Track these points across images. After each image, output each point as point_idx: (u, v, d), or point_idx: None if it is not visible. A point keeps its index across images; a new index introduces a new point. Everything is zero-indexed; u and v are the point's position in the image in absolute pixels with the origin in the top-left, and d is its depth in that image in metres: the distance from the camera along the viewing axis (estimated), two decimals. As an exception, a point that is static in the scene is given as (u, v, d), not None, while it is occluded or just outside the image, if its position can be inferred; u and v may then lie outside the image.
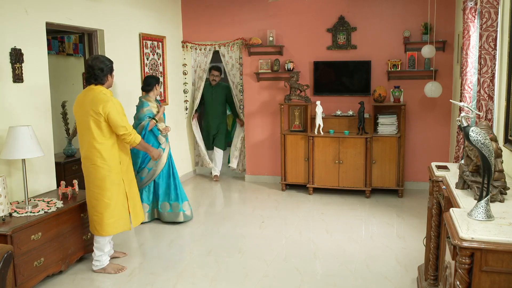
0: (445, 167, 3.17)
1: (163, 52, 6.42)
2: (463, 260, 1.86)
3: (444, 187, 2.80)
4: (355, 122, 6.13)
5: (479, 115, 3.58)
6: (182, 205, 5.08)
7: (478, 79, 3.71)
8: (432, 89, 5.54)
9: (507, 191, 2.39)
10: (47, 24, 4.35)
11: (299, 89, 6.21)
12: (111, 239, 3.98)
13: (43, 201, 3.88)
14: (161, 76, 6.38)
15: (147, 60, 6.05)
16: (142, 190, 5.03)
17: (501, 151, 2.42)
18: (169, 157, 5.10)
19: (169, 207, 5.08)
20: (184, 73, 7.08)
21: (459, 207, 2.30)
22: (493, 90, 3.56)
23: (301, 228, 4.91)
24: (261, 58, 6.67)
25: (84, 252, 4.06)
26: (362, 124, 5.95)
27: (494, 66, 3.54)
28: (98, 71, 3.68)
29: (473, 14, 4.39)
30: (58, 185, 4.32)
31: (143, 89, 5.09)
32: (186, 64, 7.07)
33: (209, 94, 7.04)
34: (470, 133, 2.04)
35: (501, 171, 2.37)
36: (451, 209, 2.19)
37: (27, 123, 4.00)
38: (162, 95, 6.42)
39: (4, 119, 3.82)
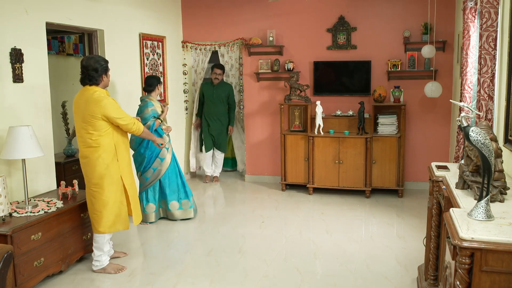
0: (445, 167, 3.17)
1: (163, 52, 6.42)
2: (463, 260, 1.86)
3: (444, 187, 2.80)
4: (355, 122, 6.13)
5: (479, 115, 3.58)
6: (191, 200, 5.20)
7: (478, 79, 3.71)
8: (432, 89, 5.54)
9: (507, 191, 2.39)
10: (47, 24, 4.34)
11: (299, 89, 6.20)
12: (110, 239, 3.98)
13: (43, 201, 3.88)
14: (161, 76, 6.37)
15: (147, 60, 6.05)
16: (147, 189, 5.05)
17: (501, 151, 2.42)
18: (173, 156, 5.13)
19: (178, 206, 5.14)
20: (184, 73, 7.08)
21: (459, 207, 2.30)
22: (493, 90, 3.56)
23: (301, 228, 4.91)
24: (261, 58, 6.66)
25: (84, 252, 4.07)
26: (362, 124, 5.95)
27: (494, 66, 3.54)
28: (92, 72, 3.68)
29: (473, 14, 4.38)
30: (58, 185, 4.32)
31: (145, 89, 5.08)
32: (186, 64, 7.06)
33: (210, 93, 6.72)
34: (470, 133, 2.04)
35: (501, 171, 2.37)
36: (451, 209, 2.19)
37: (27, 123, 4.00)
38: (162, 95, 6.42)
39: (4, 119, 3.81)
